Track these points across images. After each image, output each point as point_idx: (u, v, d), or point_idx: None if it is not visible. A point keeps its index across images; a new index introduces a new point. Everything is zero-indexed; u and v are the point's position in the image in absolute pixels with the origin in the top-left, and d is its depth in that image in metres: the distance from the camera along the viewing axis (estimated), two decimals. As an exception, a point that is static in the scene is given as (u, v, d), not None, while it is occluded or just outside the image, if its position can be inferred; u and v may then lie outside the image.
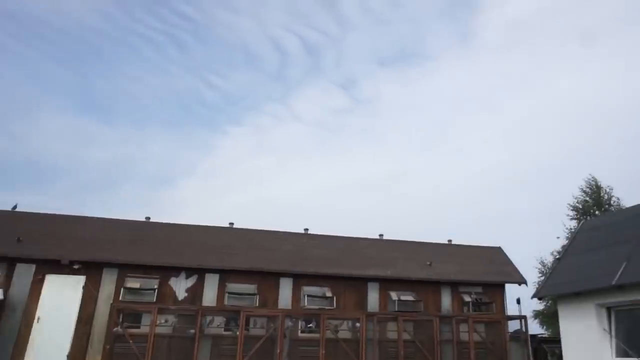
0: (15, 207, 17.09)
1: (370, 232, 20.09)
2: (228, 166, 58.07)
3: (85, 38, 53.07)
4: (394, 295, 16.66)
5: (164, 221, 18.59)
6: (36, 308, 14.46)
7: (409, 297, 16.66)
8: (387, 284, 17.01)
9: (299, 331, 15.56)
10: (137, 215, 18.39)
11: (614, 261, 11.85)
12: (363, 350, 14.92)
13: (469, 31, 59.41)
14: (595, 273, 12.09)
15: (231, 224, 19.03)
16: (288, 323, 15.13)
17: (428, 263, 18.14)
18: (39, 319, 14.41)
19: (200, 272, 15.98)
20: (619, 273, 11.29)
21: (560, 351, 12.18)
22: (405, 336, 15.42)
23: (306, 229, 19.62)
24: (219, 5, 54.44)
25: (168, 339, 14.45)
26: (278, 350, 14.46)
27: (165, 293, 15.45)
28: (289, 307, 15.95)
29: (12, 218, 16.74)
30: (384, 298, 16.83)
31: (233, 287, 15.88)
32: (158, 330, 14.16)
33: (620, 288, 11.00)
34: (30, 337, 14.19)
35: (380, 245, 19.57)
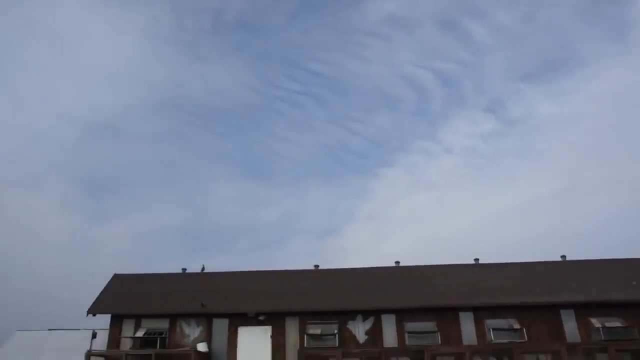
0: (203, 268, 19.11)
1: (544, 256, 18.21)
2: (386, 208, 58.33)
3: (237, 110, 59.34)
4: (596, 322, 14.70)
5: (332, 267, 19.15)
6: (235, 358, 15.69)
7: (615, 324, 14.54)
8: (584, 310, 15.12)
9: (491, 369, 14.47)
10: (305, 265, 19.21)
11: None
12: (570, 387, 13.27)
13: (622, 27, 53.08)
14: None
15: (397, 262, 18.87)
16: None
17: (634, 282, 15.74)
18: (239, 368, 15.57)
19: (376, 314, 15.96)
20: None
21: None
22: (620, 368, 13.39)
23: (476, 259, 18.60)
24: (349, 57, 56.99)
25: (357, 383, 14.53)
26: (471, 391, 13.56)
27: (345, 337, 15.66)
28: (474, 342, 15.00)
29: (203, 277, 18.69)
30: (584, 326, 14.93)
31: (411, 326, 15.52)
32: (345, 374, 14.30)
33: None
34: (235, 385, 15.36)
35: (565, 267, 17.62)
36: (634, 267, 16.92)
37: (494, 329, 14.95)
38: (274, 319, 16.20)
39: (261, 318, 16.17)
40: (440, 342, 15.03)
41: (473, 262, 18.64)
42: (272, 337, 15.93)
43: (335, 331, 15.65)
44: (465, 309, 15.63)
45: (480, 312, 15.55)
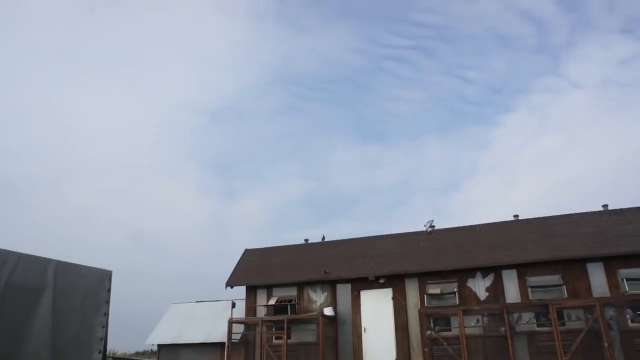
0: (323, 237, 20.27)
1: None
2: (509, 156, 55.40)
3: (347, 76, 59.88)
4: None
5: (448, 226, 19.07)
6: (360, 320, 16.69)
7: None
8: None
9: (629, 321, 13.67)
10: (431, 221, 19.28)
11: None
12: None
13: None
14: None
15: (516, 216, 18.22)
16: (609, 313, 13.47)
17: None
18: (365, 329, 16.57)
19: (496, 270, 15.77)
20: None
21: None
22: None
23: (605, 205, 17.25)
24: (455, 0, 53.90)
25: (481, 339, 14.67)
26: (606, 344, 12.97)
27: (465, 295, 15.76)
28: (606, 294, 14.19)
29: (324, 246, 19.84)
30: None
31: (534, 280, 15.12)
32: (468, 331, 14.51)
33: None
34: (362, 345, 16.41)
35: None
36: None
37: (627, 279, 13.96)
38: (394, 281, 16.80)
39: (381, 281, 16.86)
40: (566, 295, 14.46)
41: (601, 208, 17.34)
42: (393, 298, 16.58)
43: (455, 289, 15.81)
44: (593, 259, 14.77)
45: (612, 262, 14.57)
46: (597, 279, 14.58)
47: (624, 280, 14.02)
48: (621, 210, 16.78)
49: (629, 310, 13.59)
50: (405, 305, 16.33)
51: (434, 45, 57.68)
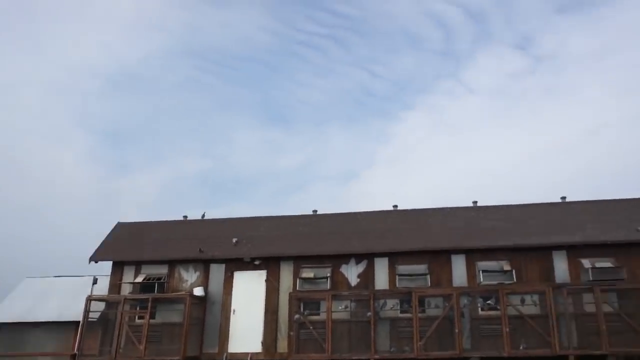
0: (203, 215, 19.43)
1: (551, 197, 17.89)
2: (405, 151, 57.64)
3: (257, 56, 58.49)
4: (586, 262, 14.51)
5: (333, 212, 19.17)
6: (230, 301, 16.22)
7: (606, 264, 14.33)
8: (576, 251, 14.90)
9: (479, 309, 14.61)
10: (327, 209, 19.30)
11: None
12: (555, 327, 13.31)
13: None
14: None
15: (395, 206, 18.78)
16: (464, 301, 14.31)
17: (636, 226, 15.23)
18: (234, 311, 16.14)
19: (369, 257, 16.09)
20: None
21: None
22: (607, 308, 13.31)
23: (475, 202, 18.34)
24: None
25: (347, 324, 14.89)
26: (457, 330, 13.75)
27: (338, 280, 15.92)
28: (464, 285, 15.07)
29: (202, 224, 19.04)
30: (575, 267, 14.76)
31: (403, 268, 15.63)
32: (335, 315, 14.65)
33: None
34: (230, 327, 15.97)
35: (564, 208, 17.24)
36: (635, 208, 16.43)
37: (483, 271, 14.93)
38: (270, 264, 16.52)
39: (257, 263, 16.51)
40: (430, 284, 15.13)
41: (472, 204, 18.40)
42: (266, 281, 16.30)
43: (328, 274, 15.90)
44: (457, 251, 15.59)
45: (473, 254, 15.49)
46: (459, 270, 15.42)
47: (481, 271, 14.97)
48: (487, 207, 17.92)
49: (481, 300, 14.54)
50: (278, 288, 16.15)
51: (348, 37, 58.39)
